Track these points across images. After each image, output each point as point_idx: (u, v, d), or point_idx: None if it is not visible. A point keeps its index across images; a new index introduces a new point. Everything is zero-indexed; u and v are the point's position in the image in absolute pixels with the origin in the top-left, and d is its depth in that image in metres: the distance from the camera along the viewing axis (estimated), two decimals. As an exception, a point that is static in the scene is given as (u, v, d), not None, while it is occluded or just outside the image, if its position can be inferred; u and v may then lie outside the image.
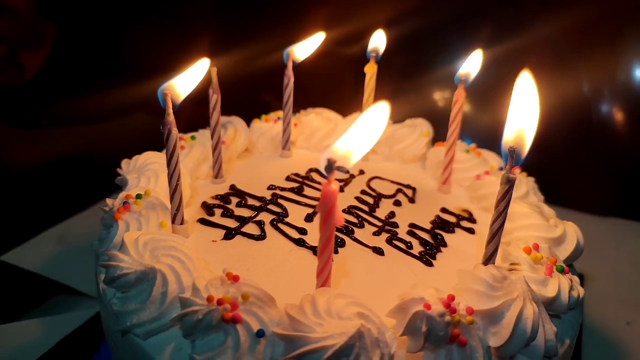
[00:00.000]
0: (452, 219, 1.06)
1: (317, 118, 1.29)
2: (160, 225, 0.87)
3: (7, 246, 1.34)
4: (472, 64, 1.07)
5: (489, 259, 0.85)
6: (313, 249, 0.93)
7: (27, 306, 1.29)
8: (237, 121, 1.20)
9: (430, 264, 0.93)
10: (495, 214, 0.82)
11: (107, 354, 1.04)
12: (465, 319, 0.70)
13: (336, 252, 0.93)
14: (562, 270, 0.85)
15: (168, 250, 0.78)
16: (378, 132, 0.71)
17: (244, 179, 1.12)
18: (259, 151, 1.24)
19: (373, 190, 1.14)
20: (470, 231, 1.03)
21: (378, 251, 0.94)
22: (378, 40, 1.18)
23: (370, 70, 1.18)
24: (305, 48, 1.15)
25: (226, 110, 1.10)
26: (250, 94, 1.70)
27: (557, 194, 1.27)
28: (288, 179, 1.14)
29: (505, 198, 0.81)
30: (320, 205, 0.70)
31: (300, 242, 0.94)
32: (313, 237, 0.96)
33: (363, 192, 1.12)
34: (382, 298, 0.77)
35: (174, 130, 0.85)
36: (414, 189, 1.16)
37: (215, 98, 1.04)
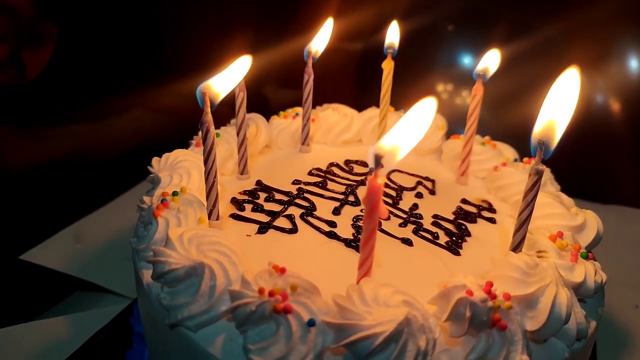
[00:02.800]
0: (473, 210, 1.10)
1: (334, 113, 1.31)
2: (199, 221, 0.89)
3: (26, 245, 1.34)
4: (490, 61, 1.10)
5: (516, 247, 0.89)
6: (345, 241, 0.95)
7: (47, 304, 1.30)
8: (258, 118, 1.22)
9: (458, 253, 0.97)
10: (523, 204, 0.86)
11: (139, 348, 1.06)
12: (504, 304, 0.74)
13: (367, 243, 0.96)
14: (586, 257, 0.89)
15: (213, 245, 0.80)
16: (424, 128, 0.73)
17: (269, 175, 1.14)
18: (279, 147, 1.26)
19: (394, 183, 1.17)
20: (492, 221, 1.07)
21: (407, 242, 0.98)
22: (394, 35, 1.20)
23: (388, 66, 1.20)
24: (321, 40, 1.17)
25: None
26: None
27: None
28: (311, 173, 1.16)
29: (534, 189, 0.84)
30: (366, 199, 0.72)
31: (331, 235, 0.97)
32: (342, 229, 0.99)
33: (385, 185, 1.15)
34: (417, 286, 0.80)
35: (212, 129, 0.87)
36: (433, 181, 1.19)
37: (241, 96, 1.06)
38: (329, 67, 1.79)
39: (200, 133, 1.15)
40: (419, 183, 1.17)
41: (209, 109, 0.86)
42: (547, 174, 1.15)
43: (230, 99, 1.06)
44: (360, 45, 1.98)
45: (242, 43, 1.73)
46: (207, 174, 0.89)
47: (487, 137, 1.26)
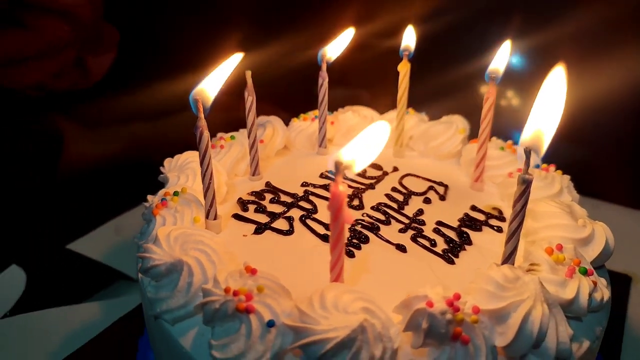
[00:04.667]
0: (481, 217, 1.06)
1: (353, 116, 1.32)
2: (194, 221, 0.94)
3: (73, 235, 1.47)
4: (501, 58, 1.06)
5: (507, 259, 0.85)
6: (337, 245, 0.97)
7: (91, 291, 1.42)
8: (275, 120, 1.26)
9: (452, 262, 0.94)
10: (512, 214, 0.83)
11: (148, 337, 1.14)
12: (470, 317, 0.72)
13: (359, 248, 0.97)
14: (585, 272, 0.84)
15: (196, 244, 0.85)
16: (378, 149, 0.74)
17: (280, 176, 1.18)
18: (297, 149, 1.29)
19: (404, 187, 1.15)
20: (499, 230, 1.03)
21: (401, 248, 0.97)
22: (409, 38, 1.19)
23: (404, 68, 1.19)
24: (337, 46, 1.18)
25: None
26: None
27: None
28: (322, 176, 1.18)
29: (522, 198, 0.81)
30: (330, 205, 0.74)
31: (325, 238, 0.98)
32: (338, 233, 1.00)
33: (394, 189, 1.14)
34: (397, 295, 0.79)
35: (206, 132, 0.92)
36: (446, 187, 1.16)
37: (250, 100, 1.10)
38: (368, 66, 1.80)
39: (218, 135, 1.22)
40: (430, 188, 1.15)
41: (202, 114, 0.90)
42: (565, 182, 1.08)
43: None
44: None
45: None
46: (204, 176, 0.94)
47: (509, 142, 1.21)
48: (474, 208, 1.09)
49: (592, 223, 0.94)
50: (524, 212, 0.82)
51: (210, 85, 0.91)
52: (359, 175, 1.20)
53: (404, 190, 1.14)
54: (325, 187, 1.14)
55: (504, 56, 1.07)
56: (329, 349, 0.68)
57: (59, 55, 1.83)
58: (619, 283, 1.30)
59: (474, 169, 1.15)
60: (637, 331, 1.18)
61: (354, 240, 0.98)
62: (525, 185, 0.80)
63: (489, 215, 1.06)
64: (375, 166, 1.23)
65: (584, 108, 1.19)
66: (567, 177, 1.10)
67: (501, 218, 1.06)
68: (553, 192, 1.04)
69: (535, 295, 0.75)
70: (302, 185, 1.14)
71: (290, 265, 0.92)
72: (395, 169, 1.23)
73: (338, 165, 0.71)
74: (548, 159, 1.22)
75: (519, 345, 0.73)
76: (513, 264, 0.85)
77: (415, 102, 1.31)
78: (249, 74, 1.07)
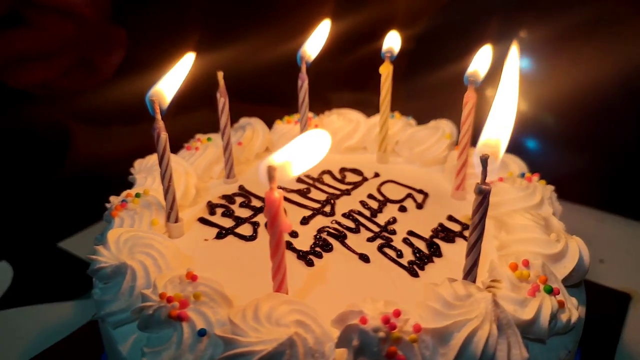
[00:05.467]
0: (457, 228, 1.01)
1: (338, 119, 1.28)
2: (152, 224, 0.93)
3: (65, 233, 1.48)
4: (481, 61, 1.00)
5: (468, 274, 0.80)
6: (297, 252, 0.93)
7: (79, 290, 1.42)
8: (256, 122, 1.24)
9: (416, 275, 0.90)
10: (471, 226, 0.78)
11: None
12: (409, 336, 0.67)
13: (321, 257, 0.93)
14: (550, 291, 0.78)
15: (145, 247, 0.84)
16: (316, 158, 0.71)
17: (256, 180, 1.14)
18: (279, 152, 1.26)
19: (382, 194, 1.11)
20: (472, 242, 0.98)
21: (364, 258, 0.93)
22: (392, 41, 1.14)
23: (386, 70, 1.15)
24: (315, 43, 1.15)
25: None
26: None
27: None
28: (299, 180, 1.15)
29: (479, 210, 0.76)
30: (265, 212, 0.71)
31: (287, 246, 0.95)
32: (302, 240, 0.97)
33: (370, 196, 1.10)
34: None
35: (163, 134, 0.90)
36: (425, 194, 1.11)
37: (222, 101, 1.08)
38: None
39: (196, 137, 1.21)
40: (408, 196, 1.11)
41: (159, 115, 0.89)
42: (548, 192, 1.02)
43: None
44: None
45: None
46: (162, 178, 0.93)
47: (496, 149, 1.15)
48: (450, 218, 1.03)
49: (567, 238, 0.87)
50: (482, 224, 0.77)
51: (167, 86, 0.90)
52: (335, 179, 1.16)
53: (380, 198, 1.10)
54: (300, 192, 1.11)
55: (484, 59, 1.01)
56: (254, 362, 0.65)
57: (65, 54, 1.86)
58: (617, 301, 1.22)
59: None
60: (630, 355, 1.10)
61: (317, 249, 0.94)
62: (482, 196, 0.75)
63: (464, 226, 1.01)
64: (355, 171, 1.19)
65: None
66: (550, 188, 1.03)
67: (477, 229, 1.01)
68: (532, 203, 0.98)
69: (485, 315, 0.70)
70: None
71: (245, 272, 0.90)
72: (377, 175, 1.18)
73: (271, 171, 0.68)
74: (549, 166, 1.17)
75: (460, 367, 0.68)
76: (474, 279, 0.80)
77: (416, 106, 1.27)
78: (220, 74, 1.06)
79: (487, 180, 1.08)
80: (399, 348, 0.67)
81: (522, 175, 1.07)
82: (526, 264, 0.81)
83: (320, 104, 1.77)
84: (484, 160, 0.73)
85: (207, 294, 0.75)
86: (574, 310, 0.80)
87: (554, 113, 1.64)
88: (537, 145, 1.67)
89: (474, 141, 1.19)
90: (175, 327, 0.72)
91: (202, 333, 0.71)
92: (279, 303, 0.72)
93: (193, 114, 1.96)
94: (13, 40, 1.77)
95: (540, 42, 1.48)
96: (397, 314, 0.69)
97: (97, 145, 1.94)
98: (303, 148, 0.71)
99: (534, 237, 0.87)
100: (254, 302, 0.72)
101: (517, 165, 1.13)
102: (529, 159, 1.57)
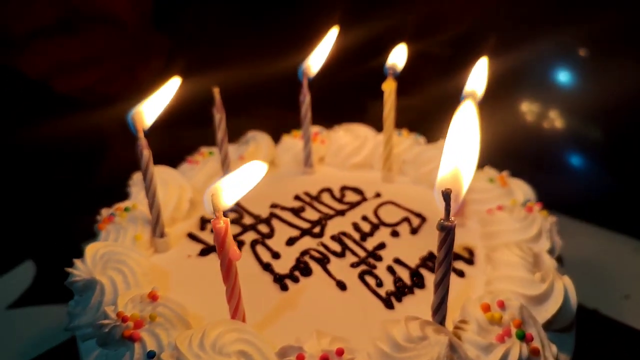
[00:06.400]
0: (447, 258, 0.96)
1: (345, 134, 1.26)
2: (135, 238, 0.95)
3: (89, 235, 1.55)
4: (477, 77, 0.95)
5: (435, 312, 0.76)
6: (274, 276, 0.92)
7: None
8: (261, 137, 1.24)
9: (391, 307, 0.86)
10: (436, 264, 0.73)
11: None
12: (350, 378, 0.64)
13: (297, 281, 0.91)
14: (522, 337, 0.72)
15: (117, 263, 0.86)
16: (249, 186, 0.73)
17: (254, 196, 1.13)
18: (283, 167, 1.25)
19: (377, 217, 1.07)
20: (460, 274, 0.92)
21: (341, 286, 0.90)
22: (397, 57, 1.10)
23: (389, 87, 1.11)
24: (319, 55, 1.13)
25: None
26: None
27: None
28: (296, 197, 1.14)
29: (443, 246, 0.71)
30: (214, 239, 0.70)
31: (266, 267, 0.94)
32: (282, 263, 0.95)
33: (364, 217, 1.07)
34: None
35: (146, 151, 0.92)
36: (423, 219, 1.06)
37: (219, 117, 1.09)
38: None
39: (200, 150, 1.23)
40: (405, 219, 1.06)
41: (141, 134, 0.91)
42: (547, 224, 0.94)
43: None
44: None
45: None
46: (147, 192, 0.95)
47: (504, 173, 1.08)
48: (442, 246, 0.98)
49: (556, 278, 0.80)
50: (448, 261, 0.72)
51: (149, 109, 0.92)
52: (334, 198, 1.14)
53: (374, 220, 1.06)
54: (294, 210, 1.09)
55: (480, 75, 0.95)
56: (189, 392, 0.65)
57: (107, 61, 1.95)
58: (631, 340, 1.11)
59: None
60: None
61: (295, 272, 0.93)
62: (445, 232, 0.70)
63: (455, 257, 0.96)
64: (356, 191, 1.16)
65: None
66: (551, 220, 0.95)
67: (469, 261, 0.95)
68: (528, 236, 0.91)
69: (437, 361, 0.66)
70: (272, 206, 1.11)
71: (219, 292, 0.88)
72: (377, 195, 1.15)
73: (213, 199, 0.67)
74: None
75: (401, 416, 0.64)
76: (443, 318, 0.76)
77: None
78: (216, 90, 1.07)
79: (485, 208, 1.03)
80: (337, 389, 0.64)
81: (527, 202, 1.00)
82: (501, 305, 0.76)
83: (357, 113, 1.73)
84: (447, 195, 0.69)
85: (164, 315, 0.76)
86: (550, 359, 0.73)
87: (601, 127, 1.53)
88: (580, 163, 1.56)
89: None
90: (128, 347, 0.73)
91: (151, 355, 0.71)
92: (227, 331, 0.71)
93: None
94: (60, 46, 1.88)
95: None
96: (340, 352, 0.66)
97: (133, 150, 2.03)
98: (239, 177, 0.71)
99: (517, 276, 0.81)
100: (202, 328, 0.72)
101: (523, 191, 1.05)
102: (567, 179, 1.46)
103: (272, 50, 1.74)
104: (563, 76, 1.57)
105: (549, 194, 1.41)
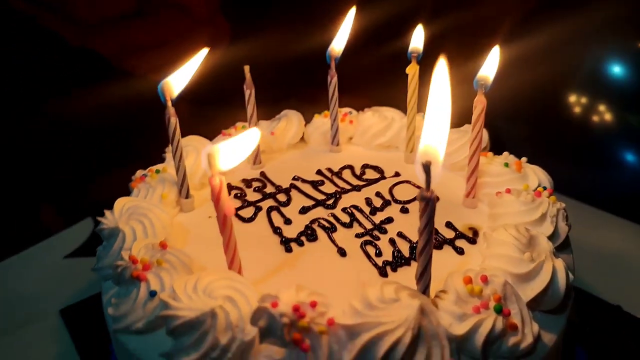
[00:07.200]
0: (451, 235, 0.97)
1: (372, 115, 1.29)
2: (162, 197, 1.05)
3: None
4: (491, 65, 0.95)
5: (419, 279, 0.79)
6: (282, 238, 0.98)
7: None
8: (292, 114, 1.30)
9: (385, 275, 0.90)
10: (418, 233, 0.76)
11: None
12: (318, 327, 0.69)
13: (302, 244, 0.97)
14: (499, 310, 0.73)
15: (140, 216, 0.95)
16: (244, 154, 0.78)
17: (280, 168, 1.22)
18: (312, 145, 1.31)
19: (391, 194, 1.10)
20: (460, 251, 0.94)
21: (341, 252, 0.95)
22: (417, 39, 1.12)
23: (412, 70, 1.13)
24: (342, 35, 1.17)
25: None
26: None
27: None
28: (318, 172, 1.19)
29: (424, 216, 0.74)
30: (211, 195, 0.77)
31: (276, 230, 1.01)
32: (292, 228, 1.01)
33: (378, 194, 1.10)
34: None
35: (173, 118, 1.01)
36: (436, 199, 1.08)
37: (248, 93, 1.16)
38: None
39: (237, 124, 1.31)
40: (416, 198, 1.08)
41: (169, 103, 1.00)
42: (554, 210, 0.92)
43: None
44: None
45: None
46: (174, 156, 1.04)
47: (523, 159, 1.07)
48: (448, 224, 1.00)
49: (547, 259, 0.80)
50: (429, 231, 0.75)
51: (177, 79, 1.00)
52: (354, 175, 1.18)
53: (387, 197, 1.09)
54: (313, 183, 1.15)
55: (493, 62, 0.95)
56: (178, 324, 0.73)
57: (177, 45, 2.09)
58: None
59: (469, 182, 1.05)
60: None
61: (302, 237, 0.98)
62: (425, 202, 0.73)
63: (458, 234, 0.97)
64: (376, 169, 1.19)
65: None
66: (558, 206, 0.94)
67: (471, 240, 0.96)
68: (531, 219, 0.90)
69: (403, 322, 0.69)
70: (294, 179, 1.17)
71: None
72: (397, 174, 1.17)
73: (209, 158, 0.74)
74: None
75: (363, 367, 0.68)
76: (427, 286, 0.78)
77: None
78: (247, 68, 1.14)
79: (496, 191, 1.03)
80: (307, 337, 0.69)
81: (544, 188, 0.99)
82: (484, 279, 0.77)
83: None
84: (427, 167, 0.71)
85: (170, 262, 0.84)
86: (529, 336, 0.74)
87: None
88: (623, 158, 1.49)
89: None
90: (136, 285, 0.82)
91: (152, 294, 0.80)
92: (219, 278, 0.78)
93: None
94: (130, 31, 2.04)
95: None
96: (314, 304, 0.71)
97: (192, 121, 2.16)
98: (236, 144, 0.76)
99: (506, 254, 0.81)
100: (198, 274, 0.79)
101: (538, 177, 1.04)
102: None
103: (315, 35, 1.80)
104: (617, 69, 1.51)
105: (589, 187, 1.37)
